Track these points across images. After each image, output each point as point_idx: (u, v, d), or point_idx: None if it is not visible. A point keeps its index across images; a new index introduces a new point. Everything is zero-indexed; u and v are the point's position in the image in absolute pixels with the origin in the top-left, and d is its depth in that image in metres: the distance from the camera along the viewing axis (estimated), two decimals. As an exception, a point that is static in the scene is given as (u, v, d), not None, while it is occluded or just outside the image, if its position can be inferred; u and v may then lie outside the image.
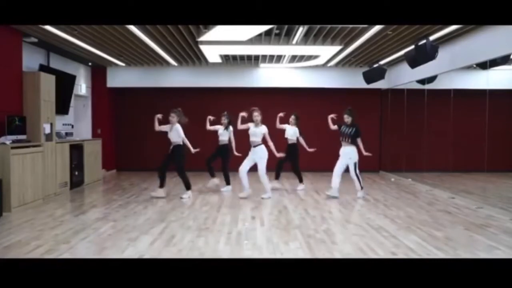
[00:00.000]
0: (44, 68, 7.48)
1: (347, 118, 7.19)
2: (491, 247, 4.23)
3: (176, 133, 6.91)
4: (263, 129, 6.96)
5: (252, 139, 6.99)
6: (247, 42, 7.51)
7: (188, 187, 7.11)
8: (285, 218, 5.61)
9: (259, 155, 6.93)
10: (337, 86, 10.67)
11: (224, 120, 7.67)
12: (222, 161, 7.73)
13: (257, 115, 6.93)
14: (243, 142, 7.32)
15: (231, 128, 7.66)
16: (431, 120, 9.24)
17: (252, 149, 7.01)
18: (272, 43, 7.79)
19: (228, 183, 7.80)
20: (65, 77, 8.36)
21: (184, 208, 6.22)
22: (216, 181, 7.88)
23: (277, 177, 8.08)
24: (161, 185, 7.03)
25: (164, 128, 7.04)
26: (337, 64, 10.11)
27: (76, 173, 8.03)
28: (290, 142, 7.87)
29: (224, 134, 7.66)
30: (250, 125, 7.01)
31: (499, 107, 8.11)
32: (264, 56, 9.44)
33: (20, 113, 6.60)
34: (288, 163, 7.96)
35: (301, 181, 8.11)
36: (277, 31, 7.29)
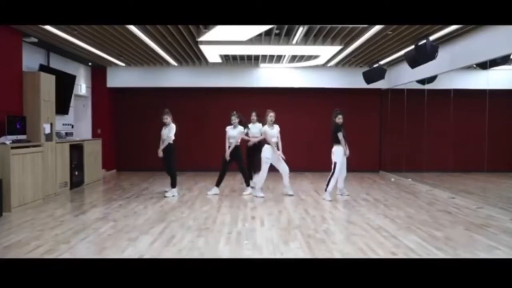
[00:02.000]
0: (44, 68, 7.48)
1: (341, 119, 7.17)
2: (491, 247, 4.23)
3: (168, 131, 7.13)
4: (277, 128, 7.30)
5: (274, 139, 7.18)
6: (247, 42, 7.51)
7: (174, 185, 7.24)
8: (285, 218, 5.61)
9: (278, 154, 7.20)
10: (337, 86, 10.68)
11: (234, 120, 7.39)
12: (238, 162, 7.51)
13: (273, 116, 7.21)
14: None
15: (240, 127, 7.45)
16: (431, 120, 9.24)
17: (274, 149, 7.13)
18: (272, 43, 7.78)
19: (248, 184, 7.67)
20: (65, 77, 8.36)
21: (184, 208, 6.22)
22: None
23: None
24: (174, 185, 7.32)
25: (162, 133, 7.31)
26: (337, 64, 10.11)
27: (76, 173, 8.03)
28: (252, 143, 7.74)
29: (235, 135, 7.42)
30: (266, 128, 7.18)
31: (499, 107, 8.10)
32: (264, 56, 9.44)
33: (20, 113, 6.60)
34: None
35: (249, 184, 7.64)
36: (277, 31, 7.29)
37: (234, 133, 7.33)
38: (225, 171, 7.45)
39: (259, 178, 7.30)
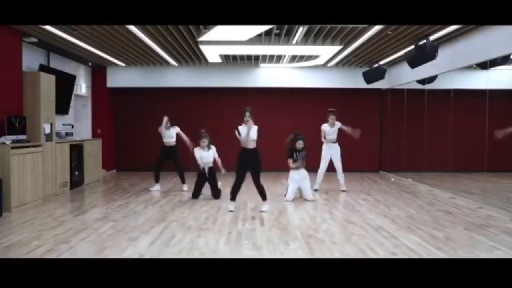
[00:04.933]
0: (44, 68, 7.47)
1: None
2: (491, 247, 4.23)
3: (212, 155, 7.04)
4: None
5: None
6: (247, 42, 7.51)
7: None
8: (285, 218, 5.61)
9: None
10: (337, 86, 10.67)
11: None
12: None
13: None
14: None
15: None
16: (431, 120, 9.24)
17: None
18: (272, 43, 7.78)
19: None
20: (65, 77, 8.36)
21: (184, 208, 6.22)
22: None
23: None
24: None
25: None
26: (337, 64, 10.11)
27: (76, 173, 8.03)
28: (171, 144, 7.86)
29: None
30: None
31: (499, 107, 8.10)
32: (264, 56, 9.44)
33: (20, 113, 6.60)
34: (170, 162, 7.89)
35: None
36: (277, 31, 7.28)
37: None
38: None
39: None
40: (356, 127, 10.81)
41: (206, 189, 7.24)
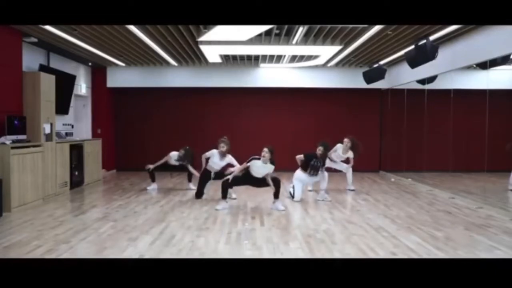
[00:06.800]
0: (44, 68, 7.47)
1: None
2: (491, 247, 4.23)
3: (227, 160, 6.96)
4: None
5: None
6: (247, 42, 7.51)
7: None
8: (285, 218, 5.61)
9: None
10: (337, 86, 10.67)
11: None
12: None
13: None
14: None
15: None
16: (431, 120, 9.24)
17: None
18: (272, 43, 7.78)
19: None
20: (65, 77, 8.36)
21: (184, 208, 6.22)
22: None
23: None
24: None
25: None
26: (337, 64, 10.11)
27: (76, 173, 8.03)
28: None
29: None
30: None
31: (499, 107, 8.10)
32: (264, 56, 9.44)
33: (20, 113, 6.60)
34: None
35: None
36: (277, 31, 7.28)
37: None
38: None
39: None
40: (356, 127, 10.84)
41: (208, 189, 7.24)
